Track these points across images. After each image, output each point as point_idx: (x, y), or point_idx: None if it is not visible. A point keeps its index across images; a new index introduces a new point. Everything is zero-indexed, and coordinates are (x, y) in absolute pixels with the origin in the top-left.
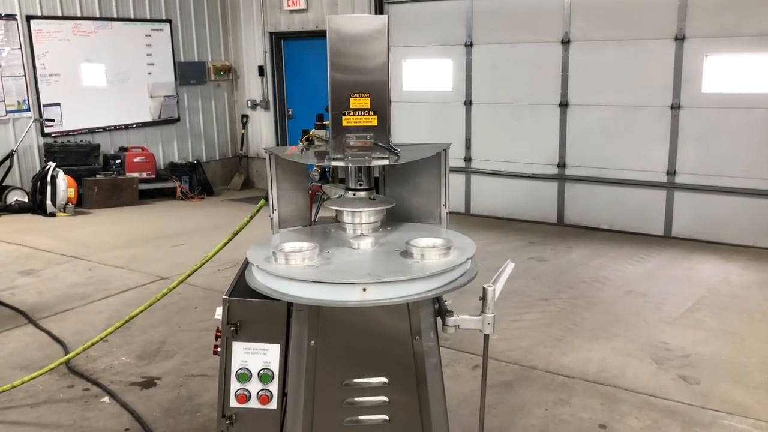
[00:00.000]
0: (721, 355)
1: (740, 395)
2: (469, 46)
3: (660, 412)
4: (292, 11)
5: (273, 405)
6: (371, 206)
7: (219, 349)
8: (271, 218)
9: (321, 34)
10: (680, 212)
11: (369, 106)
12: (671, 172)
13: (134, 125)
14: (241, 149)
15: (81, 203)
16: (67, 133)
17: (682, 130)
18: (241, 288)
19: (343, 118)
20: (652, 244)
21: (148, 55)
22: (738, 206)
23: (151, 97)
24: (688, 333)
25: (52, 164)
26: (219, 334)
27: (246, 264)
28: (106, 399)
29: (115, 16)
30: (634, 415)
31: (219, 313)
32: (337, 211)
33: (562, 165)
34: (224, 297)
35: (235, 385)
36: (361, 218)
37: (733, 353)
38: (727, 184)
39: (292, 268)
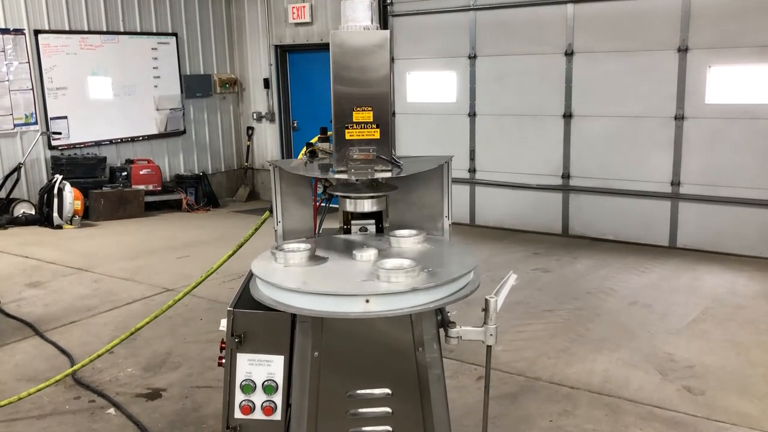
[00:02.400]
0: (726, 366)
1: (745, 406)
2: (472, 58)
3: (664, 423)
4: (297, 24)
5: (277, 416)
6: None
7: (224, 361)
8: (276, 230)
9: (326, 47)
10: (685, 223)
11: (372, 120)
12: (676, 183)
13: (140, 138)
14: (247, 161)
15: (87, 215)
16: (73, 146)
17: (686, 140)
18: (246, 300)
19: (346, 131)
20: (656, 254)
21: (154, 68)
22: (743, 216)
23: (158, 109)
24: (693, 344)
25: (58, 177)
26: (224, 345)
27: (250, 276)
28: (112, 410)
29: (121, 29)
30: (638, 426)
31: (223, 324)
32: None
33: (566, 176)
34: (228, 309)
35: (239, 397)
36: (363, 206)
37: (738, 364)
38: (732, 195)
39: (296, 279)
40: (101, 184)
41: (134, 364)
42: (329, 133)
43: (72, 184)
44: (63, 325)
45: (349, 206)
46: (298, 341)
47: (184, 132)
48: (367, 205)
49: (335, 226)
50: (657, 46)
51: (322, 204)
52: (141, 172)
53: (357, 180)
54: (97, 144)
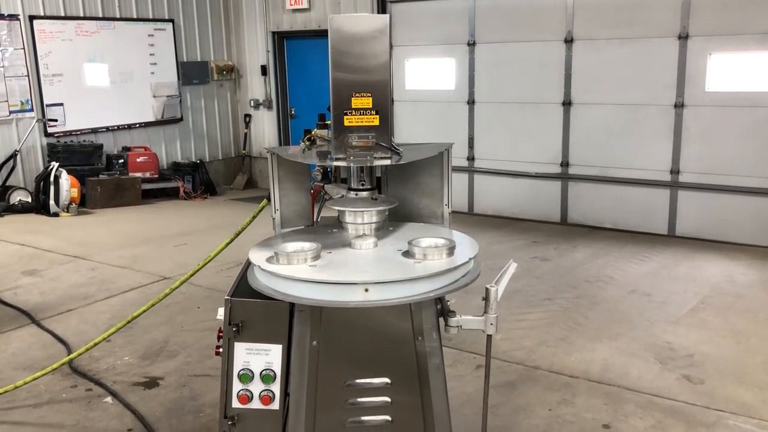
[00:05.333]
0: (726, 354)
1: (745, 395)
2: (471, 45)
3: (664, 411)
4: (294, 10)
5: (275, 405)
6: (373, 206)
7: (221, 350)
8: (273, 218)
9: (324, 34)
10: (684, 211)
11: (371, 106)
12: (675, 171)
13: (137, 125)
14: (244, 149)
15: (84, 203)
16: (70, 133)
17: (686, 128)
18: (244, 288)
19: (345, 117)
20: (655, 243)
21: (150, 54)
22: (742, 205)
23: (154, 96)
24: (692, 332)
25: (55, 164)
26: (221, 334)
27: (248, 264)
28: (109, 399)
29: (117, 15)
30: (638, 415)
31: (221, 313)
32: (339, 211)
33: (565, 164)
34: (226, 297)
35: (237, 386)
36: (363, 218)
37: (737, 353)
38: (732, 183)
39: (294, 268)
40: (98, 171)
41: (131, 352)
42: (328, 122)
43: (68, 172)
44: (60, 314)
45: (349, 218)
46: (297, 330)
47: (181, 119)
48: (366, 217)
49: (333, 215)
50: (657, 34)
51: (321, 193)
52: (138, 160)
53: (356, 195)
54: (94, 131)
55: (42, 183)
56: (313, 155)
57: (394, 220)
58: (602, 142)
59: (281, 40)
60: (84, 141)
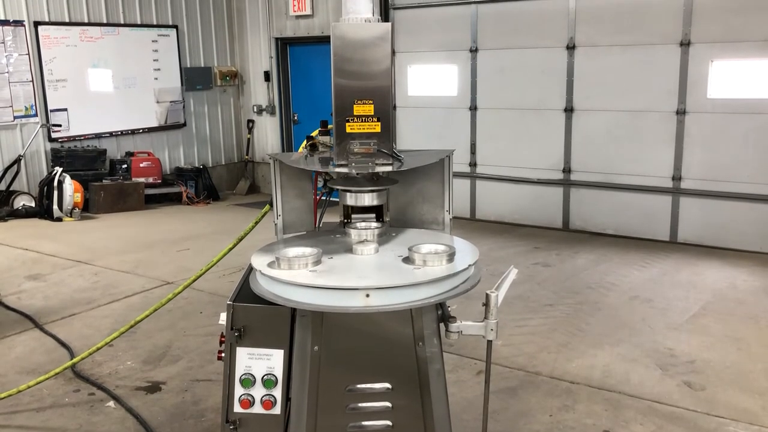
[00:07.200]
0: (727, 361)
1: (746, 401)
2: (474, 51)
3: (665, 418)
4: (297, 17)
5: (277, 410)
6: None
7: (223, 355)
8: (275, 224)
9: (327, 40)
10: (686, 218)
11: (372, 113)
12: (677, 178)
13: (141, 130)
14: (247, 154)
15: (87, 208)
16: (73, 138)
17: (687, 135)
18: (246, 293)
19: (347, 124)
20: (657, 249)
21: (154, 60)
22: (744, 212)
23: (158, 102)
24: (694, 339)
25: (58, 169)
26: (223, 339)
27: (250, 269)
28: (112, 403)
29: (122, 21)
30: (638, 421)
31: (223, 318)
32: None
33: (567, 170)
34: (228, 302)
35: (239, 390)
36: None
37: (738, 359)
38: (733, 190)
39: (296, 273)
40: (101, 176)
41: (134, 357)
42: (330, 126)
43: (72, 177)
44: (63, 318)
45: (350, 200)
46: (298, 335)
47: (184, 125)
48: (367, 199)
49: (335, 220)
50: (659, 40)
51: (322, 198)
52: (141, 165)
53: (357, 174)
54: (97, 136)
55: (45, 188)
56: (315, 161)
57: (395, 225)
58: (604, 149)
59: (284, 46)
60: (87, 146)
